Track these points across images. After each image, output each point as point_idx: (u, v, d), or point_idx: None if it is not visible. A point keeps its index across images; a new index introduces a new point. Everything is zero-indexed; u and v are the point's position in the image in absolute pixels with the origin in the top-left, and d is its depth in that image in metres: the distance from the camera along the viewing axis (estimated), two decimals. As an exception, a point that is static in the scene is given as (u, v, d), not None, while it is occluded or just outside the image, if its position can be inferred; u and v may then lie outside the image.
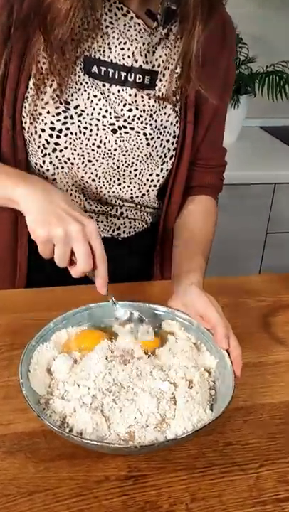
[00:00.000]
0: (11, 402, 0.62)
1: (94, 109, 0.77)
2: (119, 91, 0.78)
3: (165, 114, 0.81)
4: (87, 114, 0.77)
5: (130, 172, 0.83)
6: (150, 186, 0.86)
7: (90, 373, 0.58)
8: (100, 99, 0.77)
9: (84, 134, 0.77)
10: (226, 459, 0.58)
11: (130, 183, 0.84)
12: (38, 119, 0.75)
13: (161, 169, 0.85)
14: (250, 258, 1.87)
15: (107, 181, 0.83)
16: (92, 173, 0.81)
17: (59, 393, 0.58)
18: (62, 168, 0.80)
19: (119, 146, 0.80)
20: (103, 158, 0.80)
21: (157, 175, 0.85)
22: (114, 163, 0.81)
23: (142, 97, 0.79)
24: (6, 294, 0.85)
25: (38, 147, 0.77)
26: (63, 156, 0.78)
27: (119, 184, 0.84)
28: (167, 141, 0.83)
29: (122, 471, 0.56)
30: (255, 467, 0.57)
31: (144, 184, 0.85)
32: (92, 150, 0.79)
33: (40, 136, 0.76)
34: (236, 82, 1.73)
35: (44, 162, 0.79)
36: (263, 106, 2.01)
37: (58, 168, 0.80)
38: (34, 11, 0.69)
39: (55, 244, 0.60)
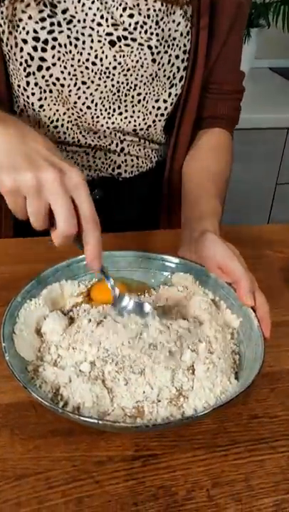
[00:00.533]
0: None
1: (86, 14, 0.62)
2: None
3: (174, 21, 0.67)
4: (78, 21, 0.62)
5: (133, 97, 0.69)
6: (156, 116, 0.73)
7: (86, 335, 0.48)
8: (93, 2, 0.62)
9: (75, 46, 0.63)
10: (252, 434, 0.49)
11: (133, 111, 0.71)
12: (18, 26, 0.60)
13: (170, 94, 0.71)
14: (258, 210, 1.74)
15: (106, 109, 0.69)
16: (86, 98, 0.67)
17: (51, 359, 0.48)
18: (51, 91, 0.66)
19: (119, 63, 0.66)
20: (100, 78, 0.66)
21: (165, 101, 0.72)
22: (113, 86, 0.67)
23: (146, 0, 0.64)
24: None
25: (21, 64, 0.63)
26: (51, 76, 0.65)
27: (120, 113, 0.70)
28: (176, 57, 0.69)
29: (128, 450, 0.46)
30: (288, 444, 0.48)
31: (150, 113, 0.72)
32: (86, 68, 0.65)
33: (21, 49, 0.62)
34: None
35: (28, 84, 0.65)
36: (274, 44, 1.84)
37: (45, 91, 0.66)
38: None
39: (26, 195, 0.45)
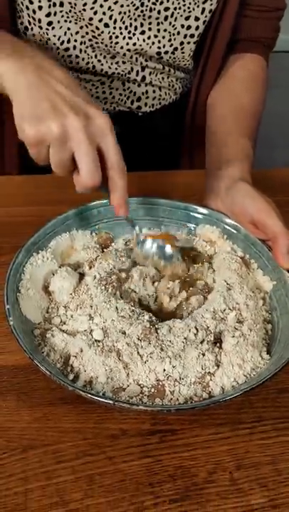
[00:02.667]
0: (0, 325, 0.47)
1: None
2: None
3: None
4: None
5: (159, 13, 0.58)
6: (185, 36, 0.62)
7: (93, 300, 0.42)
8: None
9: None
10: (282, 411, 0.44)
11: (158, 30, 0.60)
12: None
13: (203, 10, 0.60)
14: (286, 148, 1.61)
15: (126, 28, 0.59)
16: (104, 13, 0.57)
17: (60, 322, 0.43)
18: (62, 4, 0.56)
19: None
20: None
21: (197, 18, 0.60)
22: None
23: None
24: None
25: None
26: None
27: (143, 32, 0.60)
28: None
29: (144, 423, 0.42)
30: None
31: (178, 33, 0.61)
32: None
33: None
34: None
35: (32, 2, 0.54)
36: None
37: (54, 5, 0.56)
38: None
39: (50, 144, 0.42)
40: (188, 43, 0.63)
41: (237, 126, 0.60)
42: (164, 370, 0.39)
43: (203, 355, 0.40)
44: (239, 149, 0.57)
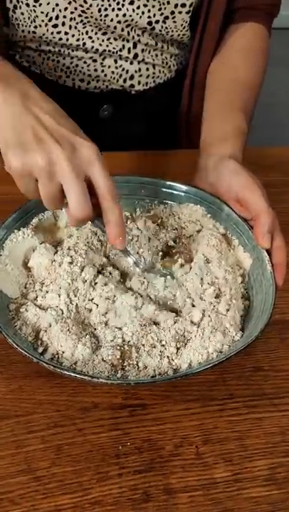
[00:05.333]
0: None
1: None
2: None
3: None
4: None
5: None
6: (176, 6, 0.60)
7: (67, 271, 0.43)
8: None
9: None
10: (254, 389, 0.44)
11: (147, 0, 0.59)
12: None
13: None
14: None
15: None
16: None
17: (35, 297, 0.43)
18: None
19: None
20: None
21: None
22: None
23: None
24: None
25: None
26: None
27: (132, 3, 0.59)
28: None
29: (115, 397, 0.43)
30: (292, 402, 0.44)
31: (168, 3, 0.60)
32: None
33: None
34: None
35: None
36: None
37: None
38: None
39: (37, 178, 0.40)
40: (180, 12, 0.61)
41: (232, 101, 0.59)
42: (132, 334, 0.39)
43: (178, 326, 0.40)
44: (232, 126, 0.56)
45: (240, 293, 0.46)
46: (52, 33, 0.60)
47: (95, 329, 0.42)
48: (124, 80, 0.66)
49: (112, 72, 0.65)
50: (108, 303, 0.42)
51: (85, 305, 0.42)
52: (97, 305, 0.42)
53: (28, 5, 0.58)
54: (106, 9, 0.58)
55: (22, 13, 0.59)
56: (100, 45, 0.62)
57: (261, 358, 0.47)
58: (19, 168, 0.40)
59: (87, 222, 0.42)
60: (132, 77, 0.67)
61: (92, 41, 0.62)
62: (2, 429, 0.41)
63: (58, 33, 0.60)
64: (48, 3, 0.58)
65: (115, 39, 0.62)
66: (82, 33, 0.61)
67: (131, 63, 0.65)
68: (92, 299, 0.42)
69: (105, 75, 0.65)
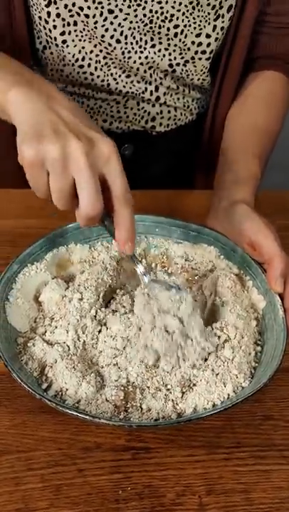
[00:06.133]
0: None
1: None
2: None
3: None
4: None
5: (168, 30, 0.60)
6: (197, 53, 0.63)
7: (76, 307, 0.43)
8: None
9: None
10: (262, 438, 0.43)
11: (168, 44, 0.61)
12: None
13: (214, 27, 0.61)
14: None
15: (137, 42, 0.60)
16: (114, 29, 0.59)
17: (43, 332, 0.44)
18: (75, 23, 0.58)
19: None
20: (129, 7, 0.57)
21: (208, 36, 0.61)
22: (144, 15, 0.58)
23: None
24: (8, 194, 0.69)
25: None
26: (74, 5, 0.56)
27: (153, 46, 0.61)
28: None
29: (119, 438, 0.42)
30: (302, 455, 0.42)
31: (189, 49, 0.62)
32: None
33: None
34: None
35: (49, 15, 0.57)
36: None
37: (68, 24, 0.58)
38: None
39: (49, 170, 0.39)
40: (200, 58, 0.63)
41: (248, 146, 0.60)
42: (137, 375, 0.39)
43: (185, 369, 0.40)
44: (246, 170, 0.57)
45: (254, 338, 0.45)
46: (78, 72, 0.63)
47: (102, 367, 0.41)
48: (146, 122, 0.69)
49: (135, 114, 0.68)
50: (116, 344, 0.41)
51: (92, 343, 0.42)
52: (105, 342, 0.42)
53: (57, 45, 0.61)
54: (129, 52, 0.61)
55: (51, 53, 0.62)
56: (124, 86, 0.65)
57: (271, 407, 0.45)
58: (32, 157, 0.38)
59: (96, 221, 0.41)
60: (153, 119, 0.69)
61: (116, 82, 0.64)
62: (2, 465, 0.40)
63: (84, 73, 0.63)
64: (75, 46, 0.61)
65: (138, 81, 0.65)
66: (107, 74, 0.64)
67: (153, 105, 0.67)
68: (99, 337, 0.42)
69: (127, 116, 0.68)
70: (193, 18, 0.59)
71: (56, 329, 0.43)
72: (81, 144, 0.38)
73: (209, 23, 0.60)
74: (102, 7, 0.57)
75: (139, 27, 0.59)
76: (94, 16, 0.57)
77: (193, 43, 0.61)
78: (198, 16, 0.59)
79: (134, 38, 0.60)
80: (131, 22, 0.58)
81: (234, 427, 0.43)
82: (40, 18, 0.58)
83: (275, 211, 0.67)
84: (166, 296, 0.42)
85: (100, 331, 0.43)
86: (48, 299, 0.46)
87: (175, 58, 0.62)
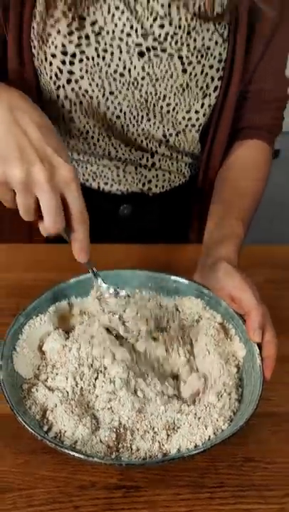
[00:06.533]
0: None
1: (116, 25, 0.62)
2: (148, 1, 0.62)
3: (208, 30, 0.64)
4: (107, 33, 0.62)
5: (162, 107, 0.68)
6: (187, 126, 0.71)
7: (75, 356, 0.48)
8: (123, 12, 0.61)
9: (103, 58, 0.63)
10: (243, 479, 0.47)
11: (162, 119, 0.69)
12: (47, 41, 0.61)
13: (202, 105, 0.69)
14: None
15: (134, 117, 0.69)
16: (115, 107, 0.67)
17: (45, 378, 0.49)
18: (81, 103, 0.67)
19: (148, 73, 0.65)
20: (128, 89, 0.66)
21: (197, 111, 0.69)
22: (141, 96, 0.67)
23: (178, 8, 0.62)
24: (18, 248, 0.76)
25: (50, 78, 0.64)
26: (80, 88, 0.65)
27: (149, 120, 0.69)
28: (210, 67, 0.66)
29: (111, 477, 0.46)
30: (280, 495, 0.46)
31: (179, 122, 0.70)
32: (114, 79, 0.65)
33: (51, 63, 0.63)
34: None
35: (58, 97, 0.66)
36: None
37: (75, 104, 0.67)
38: None
39: (15, 190, 0.45)
40: (190, 130, 0.71)
41: (233, 208, 0.67)
42: (128, 418, 0.44)
43: (171, 413, 0.44)
44: (230, 230, 0.63)
45: (235, 384, 0.50)
46: (83, 143, 0.71)
47: (97, 411, 0.46)
48: (143, 184, 0.76)
49: (132, 178, 0.75)
50: (110, 390, 0.46)
51: (89, 389, 0.47)
52: (102, 387, 0.47)
53: (64, 121, 0.69)
54: (128, 125, 0.69)
55: (59, 127, 0.71)
56: (123, 154, 0.73)
57: (252, 449, 0.49)
58: (0, 179, 0.44)
59: (57, 233, 0.46)
60: (149, 182, 0.76)
61: (116, 151, 0.72)
62: (5, 502, 0.44)
63: (88, 143, 0.71)
64: (81, 121, 0.69)
65: (136, 149, 0.73)
66: (108, 144, 0.72)
67: (149, 170, 0.75)
68: (96, 384, 0.47)
69: (126, 180, 0.75)
70: (184, 98, 0.68)
71: (57, 376, 0.48)
72: (44, 169, 0.43)
73: (198, 101, 0.69)
74: (104, 90, 0.65)
75: (136, 105, 0.67)
76: (97, 97, 0.66)
77: (184, 118, 0.70)
78: (188, 96, 0.68)
79: (132, 114, 0.68)
80: (129, 101, 0.67)
81: (217, 468, 0.47)
82: (50, 98, 0.67)
83: (259, 264, 0.73)
84: (114, 301, 0.49)
85: (96, 378, 0.48)
86: (50, 348, 0.51)
87: (168, 130, 0.71)
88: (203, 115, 0.70)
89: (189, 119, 0.70)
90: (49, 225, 0.45)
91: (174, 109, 0.68)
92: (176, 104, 0.68)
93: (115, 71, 0.64)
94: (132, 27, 0.62)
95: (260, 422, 0.51)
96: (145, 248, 0.74)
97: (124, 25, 0.62)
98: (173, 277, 0.59)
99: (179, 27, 0.63)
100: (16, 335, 0.51)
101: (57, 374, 0.49)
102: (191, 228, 0.82)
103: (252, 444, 0.50)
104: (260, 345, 0.51)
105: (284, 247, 0.79)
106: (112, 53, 0.63)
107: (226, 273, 0.55)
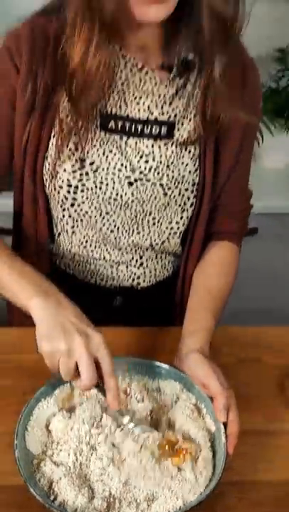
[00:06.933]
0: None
1: (109, 163, 0.79)
2: (136, 143, 0.79)
3: (183, 163, 0.81)
4: (103, 169, 0.79)
5: (148, 221, 0.84)
6: (170, 234, 0.86)
7: (76, 435, 0.60)
8: (115, 154, 0.78)
9: (100, 188, 0.79)
10: None
11: (149, 231, 0.85)
12: (56, 176, 0.78)
13: (181, 217, 0.85)
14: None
15: (126, 230, 0.85)
16: (110, 224, 0.83)
17: (52, 454, 0.60)
18: (82, 220, 0.83)
19: (136, 197, 0.81)
20: (120, 209, 0.82)
21: (177, 222, 0.85)
22: (131, 214, 0.83)
23: (160, 147, 0.79)
24: (27, 332, 0.88)
25: (58, 202, 0.81)
26: (81, 210, 0.81)
27: (138, 233, 0.85)
28: (186, 189, 0.82)
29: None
30: None
31: (164, 232, 0.86)
32: (109, 203, 0.81)
33: (58, 192, 0.80)
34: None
35: (64, 216, 0.83)
36: None
37: (77, 221, 0.83)
38: (57, 79, 0.72)
39: (60, 358, 0.61)
40: (173, 237, 0.87)
41: (205, 304, 0.81)
42: (116, 489, 0.55)
43: (154, 485, 0.56)
44: (203, 324, 0.76)
45: (207, 457, 0.61)
46: (82, 251, 0.87)
47: (92, 482, 0.57)
48: (133, 280, 0.91)
49: (124, 275, 0.90)
50: (103, 465, 0.58)
51: (86, 463, 0.58)
52: (95, 462, 0.59)
53: (67, 233, 0.85)
54: (120, 237, 0.85)
55: (63, 238, 0.86)
56: (116, 257, 0.88)
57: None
58: (47, 351, 0.61)
59: (92, 387, 0.61)
60: (138, 278, 0.91)
61: (110, 255, 0.88)
62: None
63: (86, 250, 0.87)
64: (81, 234, 0.85)
65: (127, 253, 0.88)
66: (104, 250, 0.87)
67: (138, 268, 0.90)
68: (91, 459, 0.59)
69: (119, 277, 0.90)
70: (166, 213, 0.84)
71: (61, 452, 0.60)
72: (81, 339, 0.60)
73: (177, 215, 0.85)
74: (101, 210, 0.81)
75: (127, 221, 0.83)
76: (95, 217, 0.82)
77: (167, 228, 0.86)
78: (169, 212, 0.84)
79: (124, 228, 0.84)
80: (122, 219, 0.83)
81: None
82: (57, 217, 0.83)
83: (231, 345, 0.85)
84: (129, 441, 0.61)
85: (92, 454, 0.60)
86: (55, 427, 0.63)
87: (154, 240, 0.86)
88: (183, 225, 0.86)
89: (171, 228, 0.86)
90: (86, 382, 0.60)
91: (158, 221, 0.84)
92: (161, 218, 0.84)
93: (110, 197, 0.80)
94: (122, 164, 0.79)
95: (227, 490, 0.61)
96: (135, 331, 0.87)
97: (116, 163, 0.79)
98: (157, 363, 0.72)
99: (160, 162, 0.80)
100: (28, 416, 0.63)
101: (61, 450, 0.61)
102: (174, 313, 0.96)
103: (220, 510, 0.60)
104: (224, 424, 0.63)
105: (253, 328, 0.91)
106: (106, 184, 0.79)
107: (196, 363, 0.68)
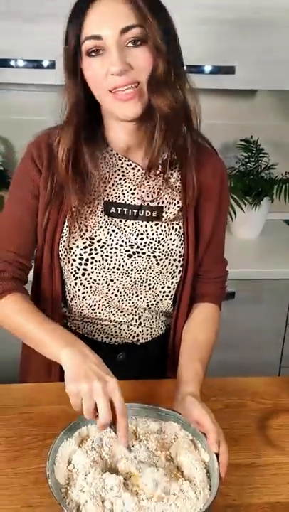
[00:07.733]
0: (40, 487, 0.77)
1: (113, 240, 0.98)
2: (133, 224, 0.99)
3: (171, 239, 1.00)
4: (108, 245, 0.98)
5: (145, 286, 1.02)
6: (163, 296, 1.04)
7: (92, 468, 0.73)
8: (117, 233, 0.98)
9: (106, 260, 0.98)
10: None
11: (146, 294, 1.03)
12: (70, 252, 0.96)
13: (172, 282, 1.03)
14: (271, 348, 1.92)
15: (127, 294, 1.02)
16: (114, 289, 1.01)
17: (74, 483, 0.73)
18: (91, 287, 1.00)
19: (134, 267, 0.99)
20: (122, 277, 1.00)
21: (168, 287, 1.04)
22: (131, 281, 1.00)
23: (152, 227, 0.99)
24: (41, 386, 1.02)
25: (71, 272, 0.99)
26: (90, 279, 0.99)
27: (137, 296, 1.02)
28: (174, 260, 1.01)
29: None
30: None
31: (158, 295, 1.03)
32: (113, 272, 0.99)
33: (72, 264, 0.98)
34: (256, 189, 1.92)
35: (76, 284, 1.00)
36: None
37: (87, 288, 1.00)
38: (67, 182, 0.94)
39: (82, 398, 0.74)
40: (165, 299, 1.05)
41: (193, 355, 0.97)
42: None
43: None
44: (193, 372, 0.92)
45: (204, 483, 0.74)
46: (91, 313, 1.03)
47: (111, 503, 0.69)
48: (133, 337, 1.07)
49: (126, 333, 1.06)
50: (112, 499, 0.70)
51: (100, 492, 0.70)
52: (110, 491, 0.71)
53: (79, 298, 1.02)
54: (122, 300, 1.02)
55: (75, 303, 1.03)
56: (119, 318, 1.04)
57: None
58: (74, 391, 0.74)
59: (107, 426, 0.74)
60: (137, 335, 1.07)
61: (114, 316, 1.04)
62: None
63: (95, 313, 1.03)
64: (90, 298, 1.01)
65: (128, 314, 1.04)
66: (109, 312, 1.03)
67: (137, 327, 1.06)
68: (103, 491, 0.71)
69: (121, 335, 1.06)
70: (159, 280, 1.02)
71: (85, 483, 0.72)
72: (100, 384, 0.74)
73: (169, 281, 1.03)
74: (107, 278, 0.99)
75: (128, 287, 1.01)
76: (102, 284, 1.00)
77: (160, 291, 1.03)
78: (161, 278, 1.02)
79: (125, 292, 1.01)
80: (123, 285, 1.01)
81: None
82: (70, 284, 1.00)
83: (220, 393, 1.00)
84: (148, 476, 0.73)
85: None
86: (77, 462, 0.76)
87: (150, 301, 1.04)
88: (173, 289, 1.04)
89: (164, 292, 1.04)
90: (102, 418, 0.73)
91: (153, 286, 1.02)
92: (155, 284, 1.02)
93: (114, 267, 0.99)
94: (123, 241, 0.98)
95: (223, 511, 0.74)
96: (137, 383, 1.01)
97: (118, 240, 0.98)
98: (159, 407, 0.86)
99: (153, 238, 0.99)
100: (55, 453, 0.76)
101: (83, 482, 0.73)
102: (168, 363, 1.11)
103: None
104: (217, 454, 0.77)
105: (237, 378, 1.07)
106: (111, 257, 0.98)
107: (192, 405, 0.82)
